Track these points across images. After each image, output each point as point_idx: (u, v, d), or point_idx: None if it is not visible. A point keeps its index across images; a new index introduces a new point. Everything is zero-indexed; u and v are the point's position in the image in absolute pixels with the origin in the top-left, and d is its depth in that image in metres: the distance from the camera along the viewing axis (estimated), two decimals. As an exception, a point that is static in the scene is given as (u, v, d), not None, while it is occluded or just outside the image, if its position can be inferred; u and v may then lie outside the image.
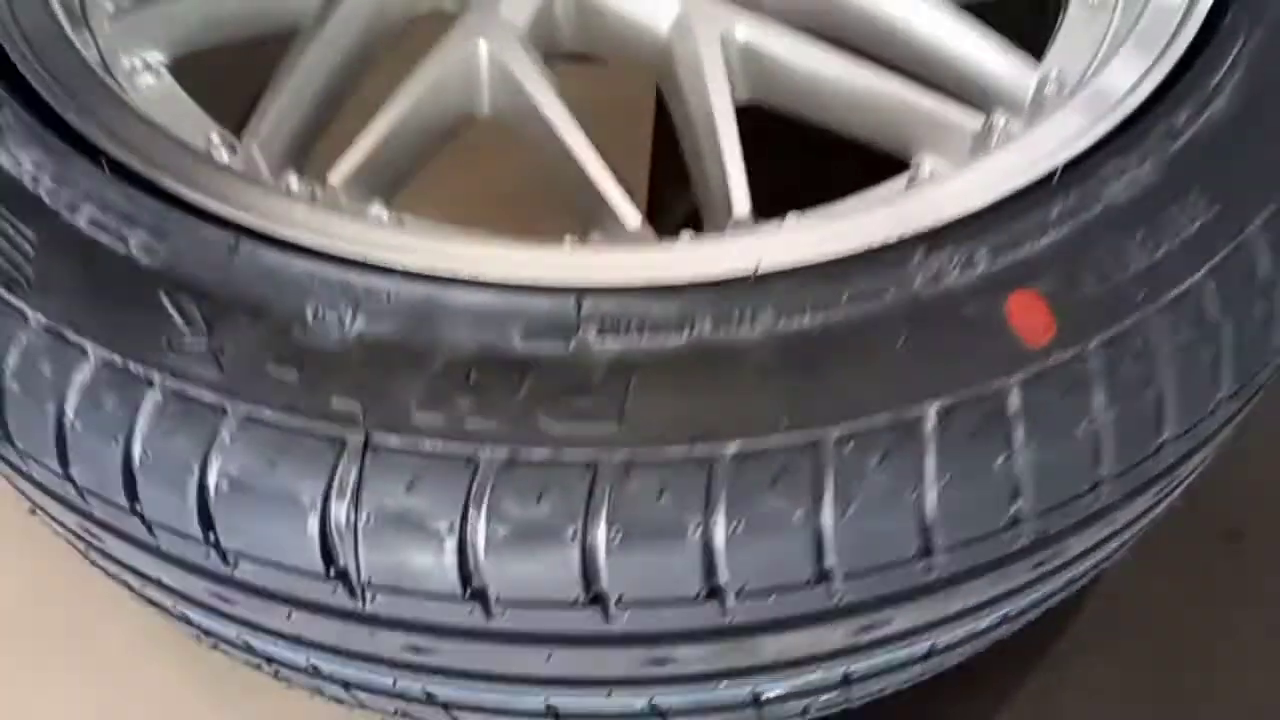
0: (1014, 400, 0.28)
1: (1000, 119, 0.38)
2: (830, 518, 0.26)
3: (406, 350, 0.27)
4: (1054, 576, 0.34)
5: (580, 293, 0.28)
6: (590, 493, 0.25)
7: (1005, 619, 0.35)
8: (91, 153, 0.31)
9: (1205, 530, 0.52)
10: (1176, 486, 0.37)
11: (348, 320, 0.27)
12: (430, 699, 0.33)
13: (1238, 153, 0.33)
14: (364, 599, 0.27)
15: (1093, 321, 0.29)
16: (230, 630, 0.33)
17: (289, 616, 0.30)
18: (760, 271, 0.28)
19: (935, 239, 0.29)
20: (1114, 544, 0.37)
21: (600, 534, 0.26)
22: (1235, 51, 0.35)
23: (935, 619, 0.32)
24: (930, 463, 0.27)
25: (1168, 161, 0.32)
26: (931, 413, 0.27)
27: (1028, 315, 0.29)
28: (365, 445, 0.26)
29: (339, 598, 0.28)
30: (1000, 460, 0.27)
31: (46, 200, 0.30)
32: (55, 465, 0.29)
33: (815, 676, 0.33)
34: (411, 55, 0.39)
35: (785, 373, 0.27)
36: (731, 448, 0.26)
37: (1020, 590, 0.33)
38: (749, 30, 0.39)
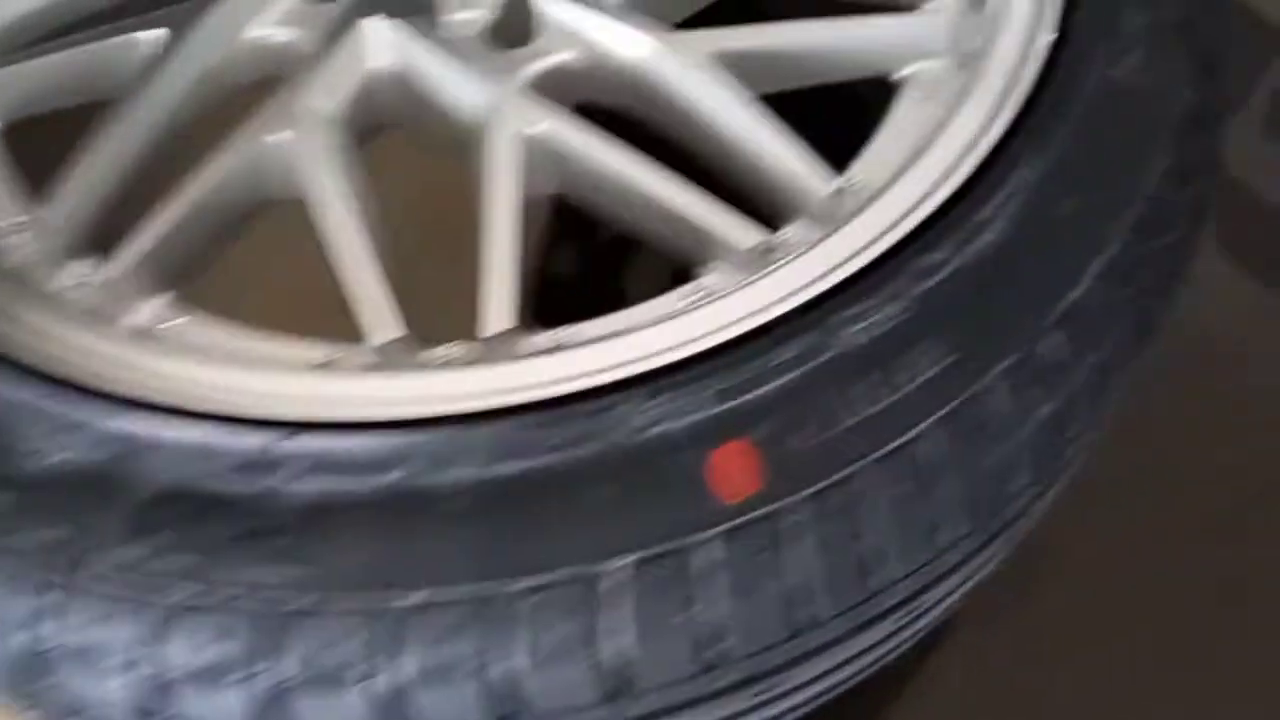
0: (709, 554, 0.28)
1: (786, 236, 0.37)
2: (517, 665, 0.27)
3: (108, 482, 0.28)
4: (791, 696, 0.35)
5: (288, 428, 0.29)
6: (272, 636, 0.27)
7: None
8: None
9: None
10: (938, 603, 0.38)
11: (52, 450, 0.29)
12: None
13: (991, 295, 0.33)
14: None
15: (804, 474, 0.30)
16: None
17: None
18: (474, 410, 0.29)
19: (653, 385, 0.30)
20: (869, 658, 0.38)
21: (280, 677, 0.27)
22: (1008, 185, 0.35)
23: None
24: (617, 615, 0.28)
25: (916, 301, 0.32)
26: (619, 566, 0.28)
27: (733, 468, 0.29)
28: (67, 575, 0.27)
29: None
30: (690, 612, 0.28)
31: None
32: None
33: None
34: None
35: (479, 522, 0.28)
36: (416, 597, 0.27)
37: (753, 709, 0.34)
38: (549, 125, 0.39)
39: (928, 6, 0.42)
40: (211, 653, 0.27)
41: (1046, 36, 0.37)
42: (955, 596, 0.37)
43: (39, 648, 0.28)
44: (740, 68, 0.41)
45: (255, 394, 0.31)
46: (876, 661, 0.37)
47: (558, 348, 0.32)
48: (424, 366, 0.33)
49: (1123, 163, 0.36)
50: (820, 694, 0.36)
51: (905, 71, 0.41)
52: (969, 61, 0.39)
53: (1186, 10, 0.39)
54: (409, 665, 0.27)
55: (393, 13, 0.42)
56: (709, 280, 0.36)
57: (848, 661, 0.34)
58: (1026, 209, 0.34)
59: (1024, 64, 0.37)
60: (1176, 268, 0.37)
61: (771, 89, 0.41)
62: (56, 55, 0.41)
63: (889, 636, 0.35)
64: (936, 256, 0.33)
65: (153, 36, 0.40)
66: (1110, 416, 0.37)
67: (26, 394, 0.30)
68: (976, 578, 0.38)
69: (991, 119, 0.36)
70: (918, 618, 0.35)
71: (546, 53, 0.42)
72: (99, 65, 0.41)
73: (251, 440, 0.29)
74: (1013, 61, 0.37)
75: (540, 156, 0.39)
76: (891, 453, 0.30)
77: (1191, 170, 0.37)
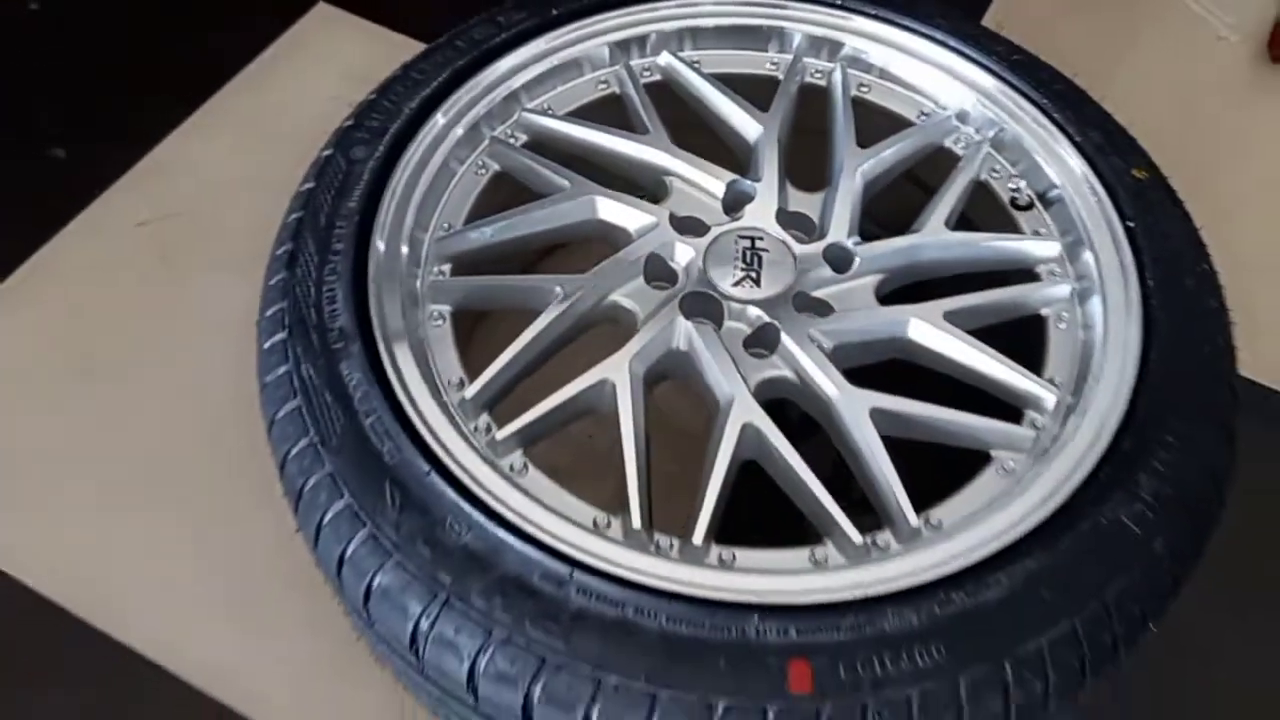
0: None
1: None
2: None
3: (484, 561, 0.53)
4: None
5: (575, 566, 0.53)
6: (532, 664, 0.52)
7: None
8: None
9: None
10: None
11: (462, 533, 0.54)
12: None
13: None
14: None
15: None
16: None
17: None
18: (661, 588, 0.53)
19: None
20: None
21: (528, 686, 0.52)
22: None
23: None
24: None
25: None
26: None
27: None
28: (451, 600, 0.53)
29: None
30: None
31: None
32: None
33: None
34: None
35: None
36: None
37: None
38: (759, 419, 0.62)
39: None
40: (502, 666, 0.52)
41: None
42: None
43: (422, 632, 0.53)
44: (885, 417, 0.63)
45: (561, 539, 0.55)
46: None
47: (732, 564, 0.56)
48: (647, 549, 0.57)
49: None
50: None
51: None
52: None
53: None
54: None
55: (692, 313, 0.66)
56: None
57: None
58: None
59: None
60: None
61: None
62: (497, 281, 0.68)
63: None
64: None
65: (557, 291, 0.66)
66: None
67: (455, 497, 0.55)
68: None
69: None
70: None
71: (776, 367, 0.65)
72: (526, 295, 0.67)
73: (557, 564, 0.54)
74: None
75: (750, 437, 0.62)
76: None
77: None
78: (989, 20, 1.11)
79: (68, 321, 0.87)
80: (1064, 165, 0.72)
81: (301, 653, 0.73)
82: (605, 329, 0.67)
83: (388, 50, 0.94)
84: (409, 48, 0.76)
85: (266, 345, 0.63)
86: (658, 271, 0.68)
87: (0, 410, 0.82)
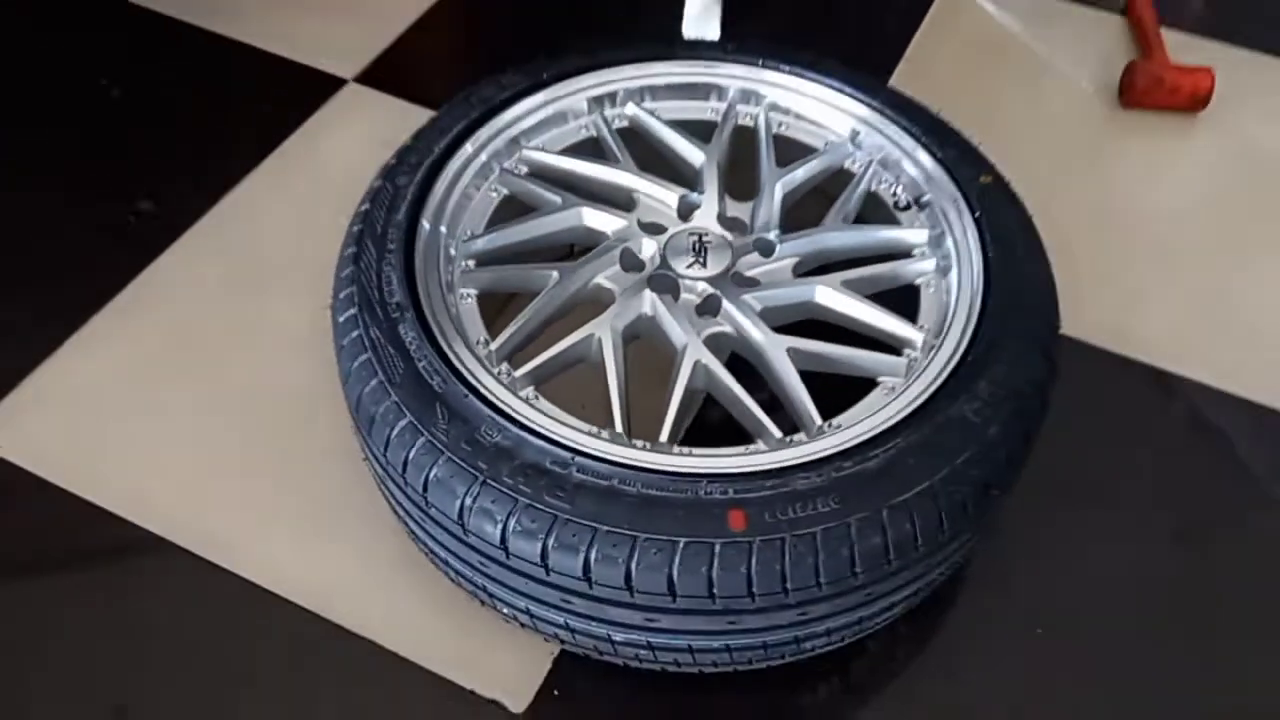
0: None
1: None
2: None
3: (510, 452, 0.74)
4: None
5: (575, 453, 0.74)
6: (545, 520, 0.72)
7: None
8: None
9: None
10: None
11: (494, 436, 0.75)
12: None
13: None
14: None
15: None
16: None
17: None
18: (634, 464, 0.74)
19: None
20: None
21: (546, 530, 0.72)
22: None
23: None
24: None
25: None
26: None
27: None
28: (486, 479, 0.73)
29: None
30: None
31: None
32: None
33: None
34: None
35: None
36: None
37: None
38: (707, 359, 0.84)
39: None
40: (526, 524, 0.72)
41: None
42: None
43: (467, 507, 0.74)
44: (799, 355, 0.85)
45: (564, 438, 0.76)
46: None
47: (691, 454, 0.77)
48: (626, 445, 0.78)
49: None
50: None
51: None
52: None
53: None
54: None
55: (656, 289, 0.88)
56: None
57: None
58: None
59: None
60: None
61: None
62: (509, 269, 0.90)
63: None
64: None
65: (554, 275, 0.88)
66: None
67: (487, 411, 0.76)
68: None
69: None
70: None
71: (718, 325, 0.87)
72: (531, 280, 0.89)
73: (563, 453, 0.74)
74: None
75: (700, 371, 0.84)
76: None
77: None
78: (898, 77, 1.36)
79: (164, 332, 1.08)
80: (930, 176, 0.95)
81: (364, 554, 0.92)
82: (591, 304, 0.89)
83: (408, 117, 1.18)
84: (426, 116, 0.99)
85: (341, 319, 0.84)
86: (629, 261, 0.91)
87: (117, 398, 1.03)
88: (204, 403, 1.03)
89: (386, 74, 1.35)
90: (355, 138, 1.27)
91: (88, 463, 0.98)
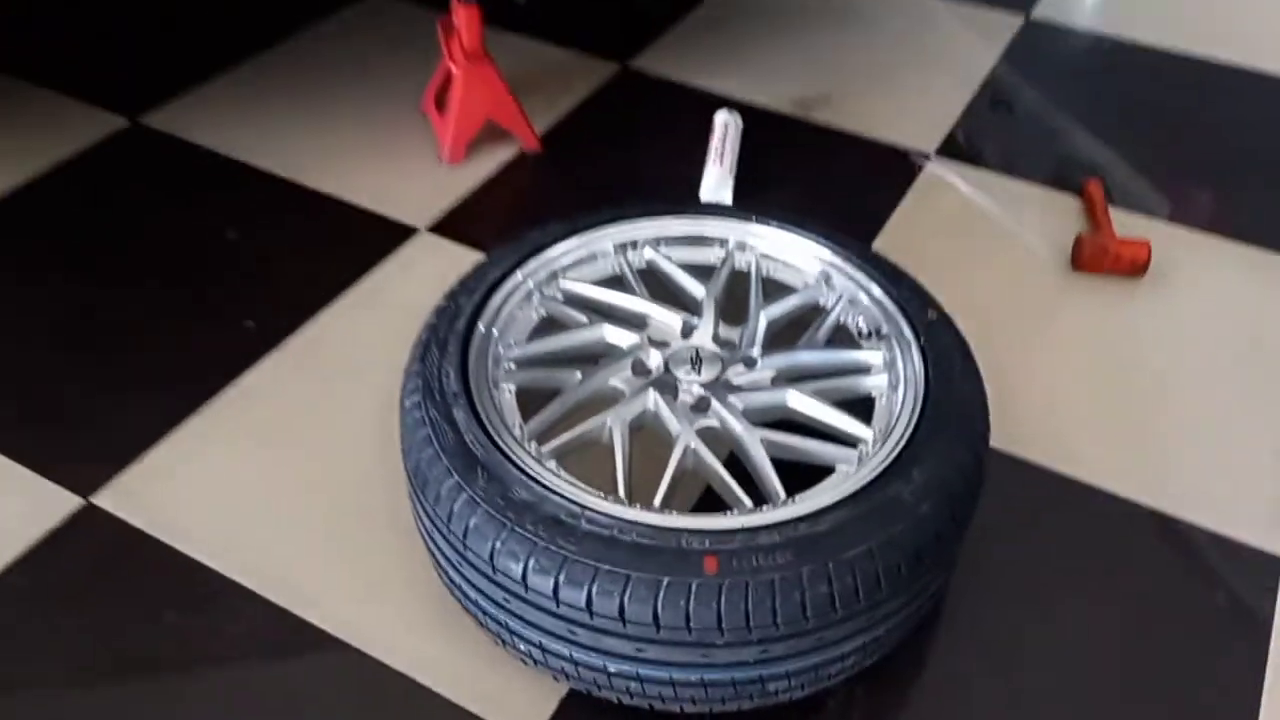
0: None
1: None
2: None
3: (537, 508, 0.93)
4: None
5: (583, 510, 0.92)
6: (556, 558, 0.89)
7: None
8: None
9: None
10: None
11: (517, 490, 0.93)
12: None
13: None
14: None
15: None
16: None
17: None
18: (628, 519, 0.92)
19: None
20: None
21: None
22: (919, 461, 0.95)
23: None
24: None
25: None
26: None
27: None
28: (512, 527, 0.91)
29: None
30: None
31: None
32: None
33: None
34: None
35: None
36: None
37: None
38: (698, 448, 1.03)
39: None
40: (542, 564, 0.90)
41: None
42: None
43: (496, 550, 0.92)
44: (772, 445, 1.03)
45: (576, 498, 0.94)
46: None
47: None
48: (626, 506, 0.96)
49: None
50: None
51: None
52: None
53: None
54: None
55: (659, 390, 1.08)
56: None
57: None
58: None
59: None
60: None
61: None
62: (543, 371, 1.11)
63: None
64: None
65: (578, 376, 1.09)
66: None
67: (517, 474, 0.95)
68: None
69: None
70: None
71: (708, 420, 1.06)
72: (560, 380, 1.10)
73: (574, 508, 0.93)
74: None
75: (690, 454, 1.03)
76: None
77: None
78: (879, 241, 1.58)
79: (260, 421, 1.29)
80: (887, 312, 1.16)
81: (408, 604, 1.09)
82: (606, 400, 1.09)
83: (468, 260, 1.42)
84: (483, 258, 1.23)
85: (408, 403, 1.05)
86: (639, 368, 1.11)
87: (220, 472, 1.23)
88: (288, 476, 1.22)
89: (452, 225, 1.60)
90: (423, 275, 1.51)
91: (189, 523, 1.17)
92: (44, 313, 1.42)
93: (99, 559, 1.13)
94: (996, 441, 1.23)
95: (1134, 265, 1.53)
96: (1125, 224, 1.62)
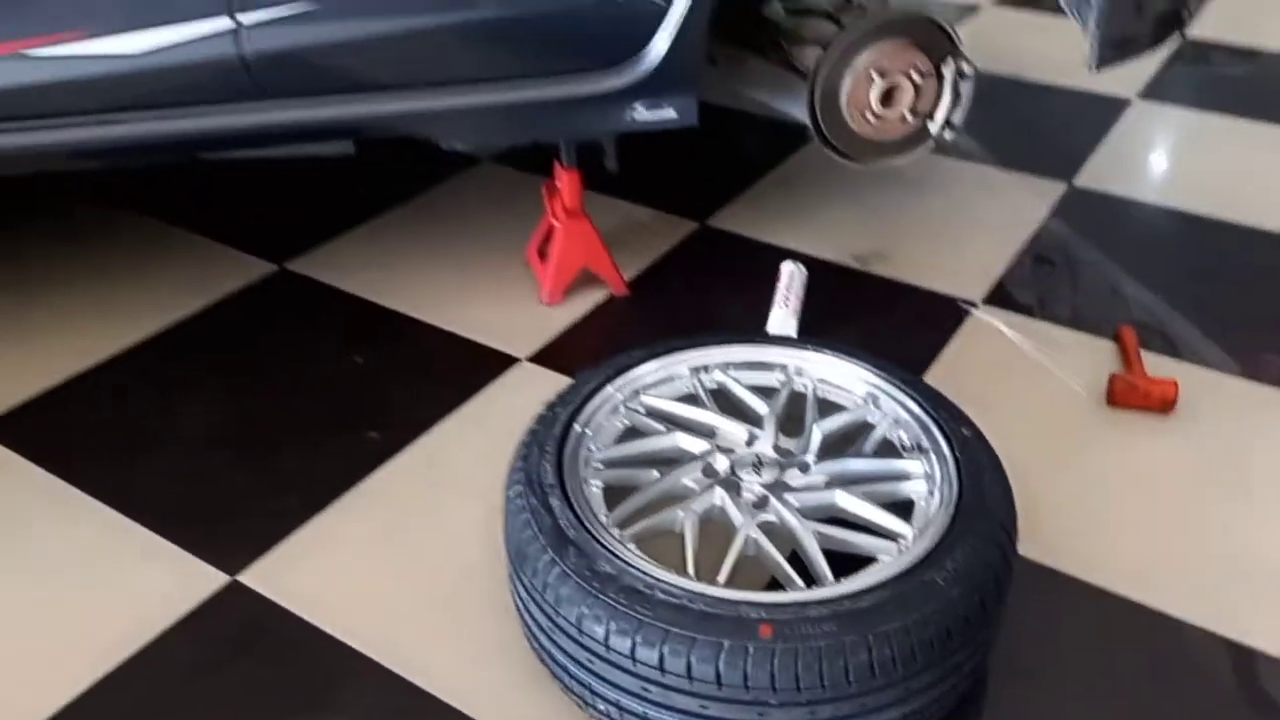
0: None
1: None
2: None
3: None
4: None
5: (653, 581, 1.07)
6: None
7: None
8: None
9: None
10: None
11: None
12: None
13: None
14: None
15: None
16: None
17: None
18: (713, 595, 1.06)
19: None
20: None
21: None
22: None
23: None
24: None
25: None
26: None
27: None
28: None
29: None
30: (739, 658, 1.01)
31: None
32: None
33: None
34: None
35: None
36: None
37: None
38: (759, 538, 1.17)
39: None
40: (622, 626, 1.04)
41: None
42: None
43: (583, 614, 1.07)
44: (823, 537, 1.17)
45: (651, 572, 1.10)
46: None
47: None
48: (693, 581, 1.10)
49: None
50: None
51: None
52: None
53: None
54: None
55: (725, 489, 1.24)
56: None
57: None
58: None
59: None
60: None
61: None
62: (626, 471, 1.28)
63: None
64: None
65: (655, 475, 1.25)
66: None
67: (602, 551, 1.11)
68: None
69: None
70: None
71: (767, 515, 1.21)
72: (640, 478, 1.27)
73: (650, 580, 1.08)
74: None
75: (751, 543, 1.17)
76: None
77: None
78: (929, 374, 1.74)
79: (382, 514, 1.48)
80: (927, 429, 1.31)
81: (503, 669, 1.24)
82: (678, 496, 1.25)
83: (565, 383, 1.61)
84: (584, 372, 1.42)
85: (511, 493, 1.22)
86: (708, 470, 1.28)
87: (351, 557, 1.41)
88: (404, 564, 1.40)
89: (549, 356, 1.81)
90: (523, 398, 1.70)
91: (321, 601, 1.34)
92: (203, 420, 1.66)
93: (244, 628, 1.31)
94: (1030, 552, 1.35)
95: (1164, 402, 1.65)
96: (1156, 366, 1.75)
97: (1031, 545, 1.36)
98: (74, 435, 1.61)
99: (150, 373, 1.76)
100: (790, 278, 1.87)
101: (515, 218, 2.16)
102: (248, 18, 1.49)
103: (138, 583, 1.36)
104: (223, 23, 1.49)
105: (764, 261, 2.03)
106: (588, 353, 1.84)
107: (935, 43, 1.81)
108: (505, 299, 1.95)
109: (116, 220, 2.17)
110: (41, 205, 2.21)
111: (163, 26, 1.47)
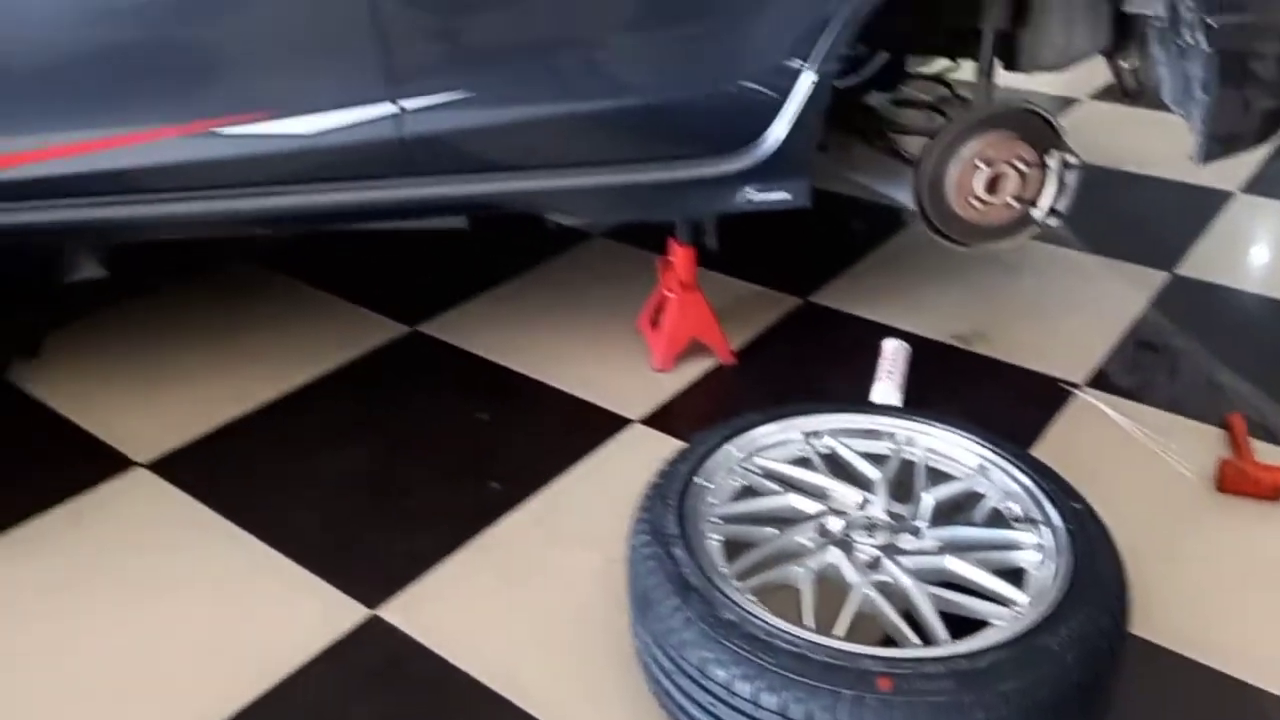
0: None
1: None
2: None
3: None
4: None
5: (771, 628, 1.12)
6: None
7: None
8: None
9: None
10: None
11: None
12: None
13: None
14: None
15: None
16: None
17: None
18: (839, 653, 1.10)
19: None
20: None
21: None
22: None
23: None
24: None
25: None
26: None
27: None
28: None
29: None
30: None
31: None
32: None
33: None
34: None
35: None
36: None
37: None
38: (873, 596, 1.21)
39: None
40: (745, 671, 1.09)
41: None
42: None
43: (706, 659, 1.12)
44: (936, 599, 1.21)
45: (773, 622, 1.14)
46: None
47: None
48: (813, 632, 1.14)
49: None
50: None
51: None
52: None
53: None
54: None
55: (840, 548, 1.28)
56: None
57: None
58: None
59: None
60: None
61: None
62: (743, 528, 1.33)
63: None
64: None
65: (772, 532, 1.31)
66: None
67: (724, 599, 1.16)
68: None
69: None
70: None
71: (881, 576, 1.25)
72: (756, 535, 1.32)
73: (771, 629, 1.12)
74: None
75: (866, 601, 1.21)
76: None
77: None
78: (1037, 450, 1.76)
79: (508, 558, 1.56)
80: (1037, 501, 1.33)
81: (620, 705, 1.29)
82: (792, 553, 1.30)
83: (673, 445, 1.68)
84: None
85: (635, 541, 1.29)
86: (822, 530, 1.32)
87: (478, 595, 1.49)
88: (527, 604, 1.47)
89: (660, 419, 1.89)
90: (635, 456, 1.78)
91: (451, 636, 1.42)
92: (344, 464, 1.77)
93: (383, 659, 1.39)
94: (1140, 629, 1.35)
95: (1275, 489, 1.64)
96: (1265, 454, 1.74)
97: (1142, 623, 1.36)
98: (231, 474, 1.73)
99: (297, 420, 1.88)
100: (894, 352, 1.92)
101: (624, 289, 2.26)
102: (410, 103, 1.63)
103: (287, 611, 1.46)
104: (387, 108, 1.64)
105: (864, 337, 2.09)
106: (697, 417, 1.91)
107: (1039, 134, 1.88)
108: (618, 364, 2.04)
109: (265, 281, 2.35)
110: (198, 265, 2.40)
111: (336, 110, 1.62)
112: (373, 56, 1.62)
